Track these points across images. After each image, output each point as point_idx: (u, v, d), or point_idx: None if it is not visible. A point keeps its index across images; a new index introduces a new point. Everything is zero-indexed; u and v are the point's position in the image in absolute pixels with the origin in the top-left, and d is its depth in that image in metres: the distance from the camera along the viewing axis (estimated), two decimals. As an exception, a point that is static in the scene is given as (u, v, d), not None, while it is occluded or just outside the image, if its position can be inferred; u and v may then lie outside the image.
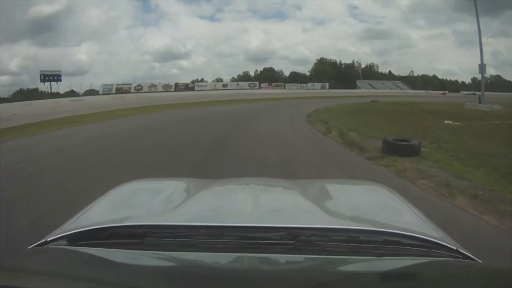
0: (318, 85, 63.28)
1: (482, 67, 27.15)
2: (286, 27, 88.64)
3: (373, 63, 76.05)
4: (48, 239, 0.96)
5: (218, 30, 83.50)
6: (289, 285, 0.72)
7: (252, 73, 71.24)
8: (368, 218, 1.06)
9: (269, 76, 67.90)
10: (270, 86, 60.44)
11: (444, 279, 0.76)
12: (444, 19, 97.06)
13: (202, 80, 61.78)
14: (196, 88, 54.08)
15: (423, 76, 74.67)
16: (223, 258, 0.85)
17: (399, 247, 0.89)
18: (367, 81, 69.59)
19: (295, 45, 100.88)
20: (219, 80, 62.68)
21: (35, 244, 0.96)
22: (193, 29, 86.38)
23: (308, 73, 72.31)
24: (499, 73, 74.53)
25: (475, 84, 65.21)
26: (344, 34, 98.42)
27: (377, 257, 0.86)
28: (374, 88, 66.13)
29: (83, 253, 0.87)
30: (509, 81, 65.79)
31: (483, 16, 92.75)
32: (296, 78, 69.16)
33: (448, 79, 75.28)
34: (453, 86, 69.40)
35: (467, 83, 71.79)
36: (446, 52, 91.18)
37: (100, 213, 1.17)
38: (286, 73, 72.60)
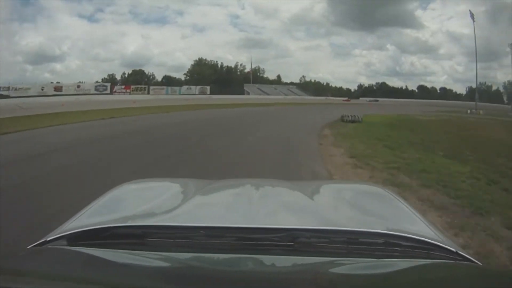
0: (195, 89, 51.03)
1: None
2: (166, 33, 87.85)
3: (259, 67, 71.54)
4: (48, 239, 0.96)
5: (96, 31, 79.34)
6: (289, 287, 0.72)
7: (118, 76, 62.70)
8: (367, 220, 1.05)
9: (137, 80, 54.68)
10: (128, 90, 46.00)
11: (443, 281, 0.75)
12: (323, 32, 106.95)
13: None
14: (12, 94, 39.71)
15: (316, 82, 77.74)
16: (222, 259, 0.86)
17: (398, 249, 0.89)
18: (256, 85, 61.21)
19: (173, 51, 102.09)
20: (79, 84, 50.97)
21: (35, 244, 0.96)
22: (70, 29, 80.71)
23: (184, 78, 63.65)
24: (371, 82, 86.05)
25: (364, 91, 77.02)
26: (223, 42, 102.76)
27: (376, 259, 0.86)
28: (266, 93, 58.05)
29: (83, 253, 0.87)
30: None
31: (360, 31, 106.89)
32: (170, 82, 56.28)
33: (334, 86, 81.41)
34: (341, 92, 74.60)
35: (352, 90, 79.92)
36: (322, 62, 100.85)
37: (100, 213, 1.16)
38: (159, 77, 64.80)
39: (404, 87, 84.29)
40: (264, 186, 1.44)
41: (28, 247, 0.93)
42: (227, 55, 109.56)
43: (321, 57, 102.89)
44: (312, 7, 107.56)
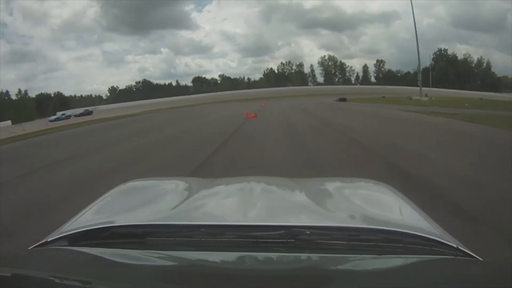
0: None
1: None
2: None
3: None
4: (49, 240, 0.96)
5: None
6: (290, 284, 0.72)
7: None
8: (368, 216, 1.04)
9: None
10: None
11: (444, 277, 0.75)
12: (95, 39, 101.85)
13: None
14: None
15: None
16: (223, 257, 0.85)
17: (399, 245, 0.88)
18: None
19: None
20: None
21: (36, 245, 0.96)
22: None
23: None
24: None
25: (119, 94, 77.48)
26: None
27: (377, 255, 0.85)
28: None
29: (84, 253, 0.87)
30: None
31: (132, 35, 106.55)
32: None
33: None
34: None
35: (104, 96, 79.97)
36: (95, 72, 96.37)
37: (100, 213, 1.16)
38: None
39: (173, 83, 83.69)
40: (264, 183, 1.45)
41: (29, 248, 0.93)
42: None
43: (95, 66, 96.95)
44: (85, 11, 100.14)
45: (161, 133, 13.60)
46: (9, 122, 49.92)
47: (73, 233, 0.96)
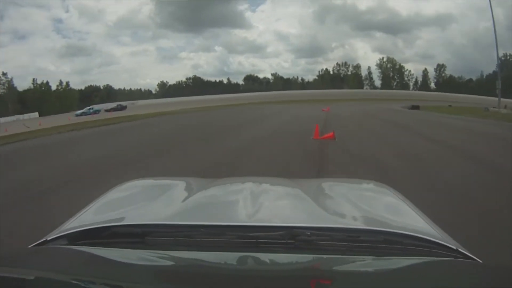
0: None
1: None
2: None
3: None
4: (48, 239, 0.96)
5: None
6: (289, 284, 0.72)
7: None
8: (368, 218, 1.04)
9: None
10: None
11: (444, 279, 0.75)
12: (150, 36, 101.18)
13: None
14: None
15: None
16: (223, 257, 0.85)
17: (399, 247, 0.88)
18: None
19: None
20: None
21: (35, 243, 0.96)
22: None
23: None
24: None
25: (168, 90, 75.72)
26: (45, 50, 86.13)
27: (377, 257, 0.85)
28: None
29: (84, 252, 0.87)
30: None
31: (186, 33, 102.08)
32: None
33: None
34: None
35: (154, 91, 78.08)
36: (148, 67, 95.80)
37: (100, 212, 1.16)
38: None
39: (224, 81, 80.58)
40: (265, 184, 1.44)
41: (29, 247, 0.94)
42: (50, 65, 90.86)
43: (148, 62, 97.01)
44: (140, 9, 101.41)
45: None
46: (35, 114, 48.23)
47: (73, 232, 0.96)
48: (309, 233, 0.88)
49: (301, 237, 0.87)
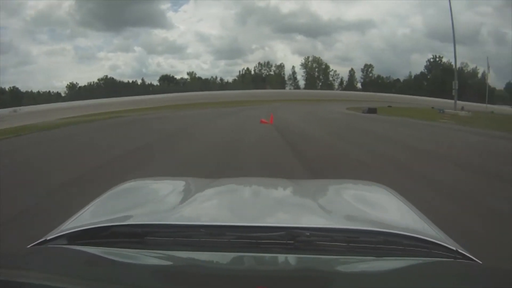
0: None
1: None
2: None
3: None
4: (48, 238, 0.95)
5: None
6: (289, 285, 0.72)
7: None
8: (368, 218, 1.04)
9: None
10: None
11: (443, 279, 0.75)
12: (68, 34, 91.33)
13: None
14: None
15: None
16: (223, 258, 0.85)
17: (398, 248, 0.88)
18: None
19: None
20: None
21: (35, 243, 0.95)
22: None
23: None
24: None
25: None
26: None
27: (376, 257, 0.85)
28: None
29: (83, 252, 0.86)
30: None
31: (106, 32, 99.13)
32: None
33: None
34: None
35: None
36: (64, 68, 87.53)
37: (100, 212, 1.15)
38: None
39: (139, 82, 75.00)
40: (264, 184, 1.44)
41: (28, 246, 0.93)
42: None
43: (65, 62, 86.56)
44: (60, 4, 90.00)
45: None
46: None
47: (72, 232, 0.95)
48: (308, 234, 0.88)
49: (301, 237, 0.87)
